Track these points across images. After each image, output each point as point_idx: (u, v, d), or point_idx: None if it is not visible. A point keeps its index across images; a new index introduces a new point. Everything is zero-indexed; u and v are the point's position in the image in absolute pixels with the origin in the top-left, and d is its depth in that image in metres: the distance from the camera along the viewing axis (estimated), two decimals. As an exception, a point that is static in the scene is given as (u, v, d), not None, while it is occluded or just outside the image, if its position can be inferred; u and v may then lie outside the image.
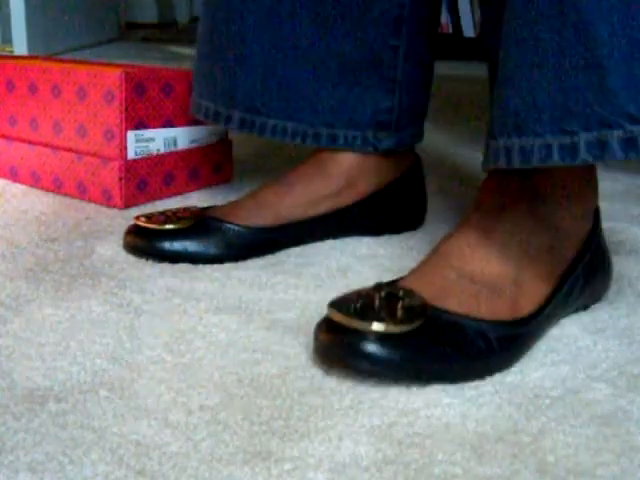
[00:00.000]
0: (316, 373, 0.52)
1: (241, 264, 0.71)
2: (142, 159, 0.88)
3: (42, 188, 0.94)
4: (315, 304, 0.63)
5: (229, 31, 0.77)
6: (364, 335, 0.49)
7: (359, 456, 0.43)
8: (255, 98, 0.77)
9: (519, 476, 0.42)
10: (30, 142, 0.94)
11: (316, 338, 0.52)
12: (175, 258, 0.71)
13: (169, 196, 0.92)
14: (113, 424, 0.46)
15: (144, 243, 0.72)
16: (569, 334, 0.59)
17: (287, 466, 0.42)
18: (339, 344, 0.50)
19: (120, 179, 0.86)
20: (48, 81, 0.92)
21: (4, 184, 0.96)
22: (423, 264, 0.58)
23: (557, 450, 0.44)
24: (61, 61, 1.11)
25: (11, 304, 0.62)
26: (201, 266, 0.71)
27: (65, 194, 0.91)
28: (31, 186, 0.95)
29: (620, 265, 0.73)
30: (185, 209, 0.76)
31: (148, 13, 3.47)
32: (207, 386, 0.50)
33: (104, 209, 0.87)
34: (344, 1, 0.75)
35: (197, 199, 0.92)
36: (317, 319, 0.60)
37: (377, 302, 0.51)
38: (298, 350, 0.55)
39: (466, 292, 0.55)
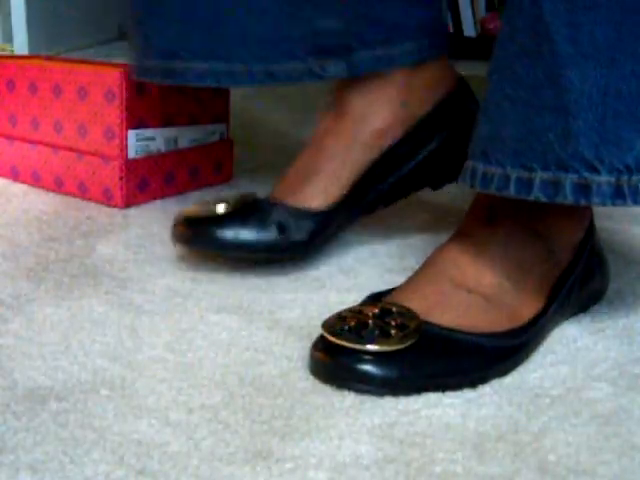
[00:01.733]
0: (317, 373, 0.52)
1: (242, 264, 0.71)
2: (143, 158, 0.88)
3: (43, 187, 0.94)
4: (316, 304, 0.63)
5: None
6: (359, 355, 0.49)
7: (360, 455, 0.43)
8: (173, 42, 0.69)
9: (520, 475, 0.42)
10: (31, 141, 0.94)
11: (312, 357, 0.52)
12: (227, 247, 0.65)
13: (169, 195, 0.92)
14: (114, 423, 0.46)
15: (194, 231, 0.66)
16: (568, 334, 0.59)
17: (288, 465, 0.42)
18: (335, 364, 0.50)
19: (121, 178, 0.86)
20: (49, 80, 0.92)
21: (5, 184, 0.96)
22: (417, 275, 0.58)
23: (558, 449, 0.44)
24: (62, 60, 1.11)
25: (12, 303, 0.62)
26: (201, 266, 0.71)
27: (66, 193, 0.91)
28: (32, 185, 0.95)
29: (620, 265, 0.73)
30: (236, 195, 0.70)
31: (148, 13, 3.46)
32: (208, 385, 0.50)
33: (105, 208, 0.87)
34: None
35: (198, 199, 0.92)
36: (318, 319, 0.60)
37: (370, 321, 0.51)
38: (299, 350, 0.55)
39: (462, 304, 0.54)
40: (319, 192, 0.69)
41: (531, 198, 0.53)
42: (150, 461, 0.42)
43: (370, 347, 0.49)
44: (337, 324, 0.51)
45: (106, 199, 0.87)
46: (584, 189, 0.51)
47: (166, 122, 0.91)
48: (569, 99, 0.51)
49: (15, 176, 0.97)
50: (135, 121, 0.87)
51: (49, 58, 1.19)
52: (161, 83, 0.72)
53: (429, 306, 0.53)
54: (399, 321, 0.51)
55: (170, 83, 0.71)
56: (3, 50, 2.23)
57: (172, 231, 0.68)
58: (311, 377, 0.52)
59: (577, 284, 0.60)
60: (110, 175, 0.86)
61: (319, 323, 0.59)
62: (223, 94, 0.98)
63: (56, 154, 0.91)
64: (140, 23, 0.73)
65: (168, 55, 0.70)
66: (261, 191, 0.97)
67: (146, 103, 0.88)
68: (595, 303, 0.64)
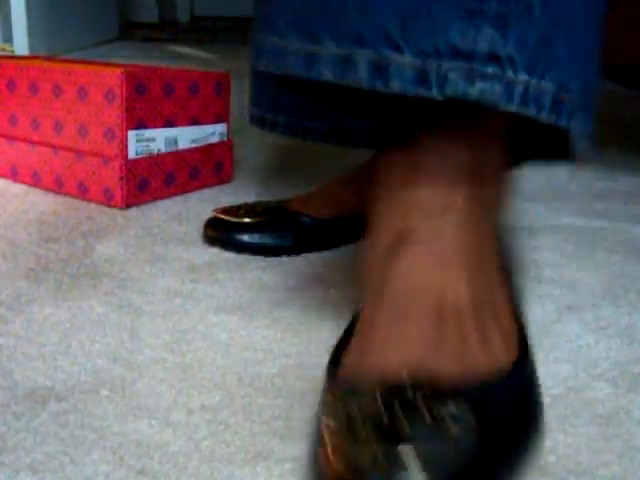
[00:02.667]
0: (317, 373, 0.52)
1: (242, 264, 0.72)
2: (143, 159, 0.88)
3: (43, 188, 0.94)
4: (315, 302, 0.63)
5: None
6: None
7: (360, 456, 0.43)
8: (299, 104, 0.77)
9: (520, 476, 0.42)
10: (31, 142, 0.94)
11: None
12: (253, 250, 0.74)
13: (170, 196, 0.92)
14: (114, 424, 0.46)
15: (223, 235, 0.75)
16: (570, 331, 0.59)
17: (288, 466, 0.42)
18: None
19: (121, 179, 0.86)
20: (49, 81, 0.92)
21: (5, 184, 0.96)
22: (375, 315, 0.43)
23: (558, 450, 0.44)
24: (62, 61, 1.11)
25: (12, 304, 0.62)
26: (201, 267, 0.71)
27: (66, 194, 0.91)
28: (32, 186, 0.95)
29: (621, 264, 0.74)
30: (260, 203, 0.79)
31: (148, 13, 3.47)
32: (208, 386, 0.50)
33: (105, 209, 0.87)
34: None
35: (198, 199, 0.92)
36: (317, 318, 0.60)
37: (405, 433, 0.35)
38: (299, 349, 0.55)
39: (454, 340, 0.41)
40: (336, 205, 0.77)
41: (312, 75, 0.43)
42: (150, 461, 0.42)
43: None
44: (363, 452, 0.35)
45: (106, 199, 0.87)
46: (381, 70, 0.41)
47: (166, 122, 0.91)
48: None
49: (15, 176, 0.97)
50: (135, 121, 0.87)
51: (49, 58, 1.19)
52: (281, 135, 0.80)
53: (419, 358, 0.40)
54: (435, 411, 0.36)
55: (290, 137, 0.79)
56: (3, 50, 2.23)
57: (204, 232, 0.77)
58: (310, 376, 0.52)
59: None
60: (110, 175, 0.86)
61: (318, 321, 0.60)
62: (223, 95, 0.98)
63: (56, 154, 0.91)
64: (268, 82, 0.78)
65: (294, 114, 0.77)
66: (260, 191, 0.97)
67: (146, 103, 0.88)
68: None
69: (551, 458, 0.43)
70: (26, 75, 0.94)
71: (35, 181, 0.94)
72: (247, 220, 0.75)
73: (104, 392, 0.49)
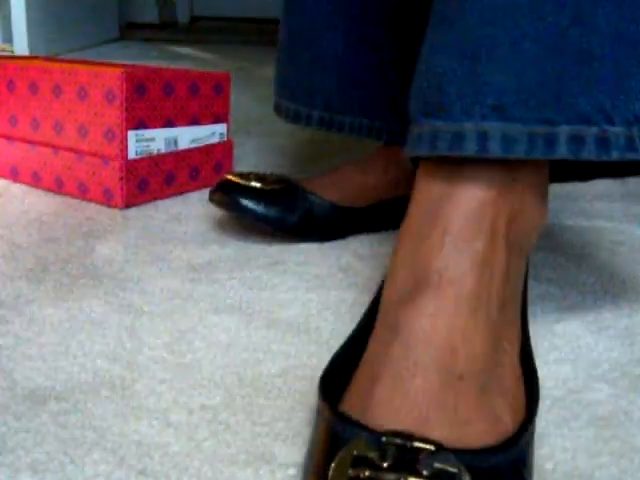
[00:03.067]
0: (317, 373, 0.52)
1: (242, 264, 0.72)
2: (143, 159, 0.88)
3: (43, 188, 0.94)
4: (316, 303, 0.63)
5: (303, 34, 0.79)
6: None
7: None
8: (332, 97, 0.79)
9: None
10: (31, 142, 0.94)
11: None
12: (255, 217, 0.73)
13: (169, 196, 0.92)
14: (114, 424, 0.46)
15: (229, 198, 0.74)
16: (571, 332, 0.59)
17: (291, 471, 0.42)
18: None
19: (121, 179, 0.86)
20: (49, 81, 0.92)
21: (5, 184, 0.96)
22: (388, 358, 0.42)
23: (555, 454, 0.44)
24: (62, 61, 1.11)
25: (12, 304, 0.62)
26: (201, 267, 0.71)
27: (66, 194, 0.91)
28: (32, 186, 0.95)
29: (621, 265, 0.74)
30: (273, 174, 0.78)
31: (148, 13, 3.47)
32: (208, 386, 0.50)
33: (105, 209, 0.87)
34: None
35: (198, 199, 0.92)
36: (318, 318, 0.60)
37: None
38: (299, 349, 0.55)
39: (458, 404, 0.40)
40: (349, 193, 0.77)
41: (556, 156, 0.45)
42: (151, 462, 0.42)
43: None
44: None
45: (106, 200, 0.87)
46: (605, 142, 0.46)
47: (166, 123, 0.91)
48: (595, 42, 0.44)
49: (15, 177, 0.97)
50: (135, 122, 0.87)
51: (49, 58, 1.19)
52: (317, 129, 0.81)
53: (421, 419, 0.38)
54: (434, 469, 0.35)
55: (325, 130, 0.80)
56: (3, 50, 2.23)
57: (210, 195, 0.77)
58: (310, 376, 0.52)
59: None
60: (110, 175, 0.86)
61: (318, 321, 0.60)
62: (223, 95, 0.98)
63: (56, 155, 0.91)
64: (303, 75, 0.81)
65: (328, 108, 0.79)
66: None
67: (146, 104, 0.88)
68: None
69: (549, 465, 0.43)
70: (26, 75, 0.94)
71: (35, 181, 0.94)
72: (255, 185, 0.74)
73: (104, 392, 0.49)
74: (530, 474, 0.39)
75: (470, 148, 0.45)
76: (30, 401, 0.48)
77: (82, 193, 0.90)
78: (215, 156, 0.98)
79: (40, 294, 0.64)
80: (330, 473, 0.36)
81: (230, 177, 0.75)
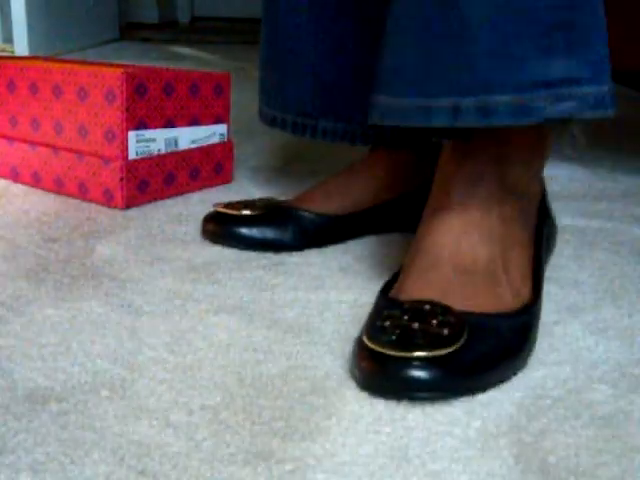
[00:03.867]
0: (317, 373, 0.52)
1: (242, 264, 0.72)
2: (143, 159, 0.88)
3: (43, 188, 0.94)
4: (316, 304, 0.63)
5: (276, 43, 0.83)
6: (408, 361, 0.47)
7: (361, 455, 0.43)
8: (306, 103, 0.81)
9: (521, 475, 0.42)
10: (31, 142, 0.94)
11: (358, 367, 0.50)
12: (252, 244, 0.74)
13: (170, 196, 0.92)
14: (114, 424, 0.46)
15: (223, 229, 0.76)
16: (571, 333, 0.59)
17: (288, 466, 0.42)
18: (393, 374, 0.48)
19: (121, 179, 0.86)
20: (49, 81, 0.92)
21: (5, 184, 0.96)
22: (413, 263, 0.57)
23: (558, 451, 0.44)
24: (62, 61, 1.11)
25: (12, 304, 0.62)
26: (201, 267, 0.71)
27: (66, 194, 0.91)
28: (32, 186, 0.95)
29: (622, 265, 0.74)
30: (260, 199, 0.80)
31: (148, 13, 3.47)
32: (208, 386, 0.50)
33: (105, 209, 0.87)
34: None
35: (198, 199, 0.92)
36: (318, 319, 0.60)
37: (415, 325, 0.49)
38: (299, 350, 0.55)
39: (468, 287, 0.54)
40: (336, 202, 0.78)
41: (434, 124, 0.53)
42: (151, 462, 0.42)
43: (421, 354, 0.47)
44: (382, 336, 0.49)
45: (106, 200, 0.87)
46: (484, 110, 0.52)
47: (166, 123, 0.91)
48: (467, 22, 0.51)
49: (15, 177, 0.97)
50: (135, 122, 0.87)
51: (49, 59, 1.19)
52: (292, 135, 0.84)
53: (440, 294, 0.53)
54: (440, 319, 0.50)
55: (299, 136, 0.83)
56: (3, 51, 2.23)
57: (202, 227, 0.78)
58: (310, 377, 0.52)
59: (545, 240, 0.62)
60: (110, 176, 0.86)
61: (318, 322, 0.60)
62: (223, 95, 0.98)
63: (56, 155, 0.91)
64: (279, 81, 0.84)
65: (302, 113, 0.82)
66: (261, 191, 0.97)
67: (146, 104, 0.88)
68: (550, 255, 0.66)
69: (551, 459, 0.43)
70: (26, 76, 0.94)
71: (35, 182, 0.94)
72: (247, 213, 0.75)
73: (104, 393, 0.49)
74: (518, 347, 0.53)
75: (372, 116, 0.58)
76: (30, 401, 0.48)
77: (82, 193, 0.90)
78: (215, 156, 0.98)
79: (40, 294, 0.64)
80: (366, 325, 0.52)
81: (220, 209, 0.77)
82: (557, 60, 0.51)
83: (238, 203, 0.78)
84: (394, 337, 0.48)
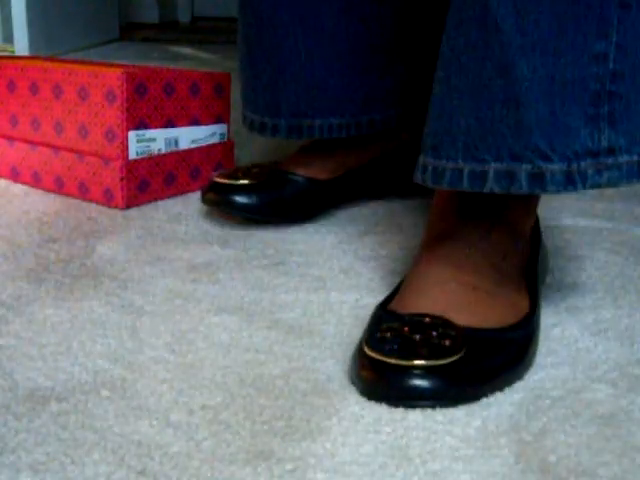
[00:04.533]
0: (318, 374, 0.52)
1: (243, 265, 0.72)
2: (143, 159, 0.88)
3: (43, 188, 0.94)
4: (317, 304, 0.63)
5: (263, 46, 0.82)
6: (409, 370, 0.48)
7: (361, 455, 0.43)
8: (299, 103, 0.82)
9: (522, 474, 0.42)
10: (31, 142, 0.94)
11: (358, 376, 0.50)
12: (249, 211, 0.79)
13: (170, 196, 0.92)
14: (114, 424, 0.46)
15: (222, 198, 0.79)
16: (570, 335, 0.59)
17: (289, 466, 0.42)
18: (392, 383, 0.49)
19: (121, 179, 0.86)
20: (49, 81, 0.92)
21: (5, 184, 0.96)
22: (416, 278, 0.57)
23: (558, 450, 0.44)
24: (62, 61, 1.11)
25: (12, 304, 0.62)
26: (201, 267, 0.71)
27: (66, 194, 0.91)
28: (32, 186, 0.95)
29: (622, 265, 0.74)
30: (255, 165, 0.84)
31: (149, 13, 3.47)
32: (209, 386, 0.50)
33: (105, 209, 0.87)
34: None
35: (198, 199, 0.92)
36: (319, 319, 0.60)
37: (416, 336, 0.50)
38: (300, 350, 0.55)
39: (471, 303, 0.54)
40: (324, 169, 0.84)
41: (486, 190, 0.53)
42: (151, 462, 0.42)
43: (420, 363, 0.48)
44: (383, 345, 0.49)
45: (107, 200, 0.87)
46: (538, 178, 0.52)
47: (167, 123, 0.91)
48: (520, 90, 0.51)
49: (16, 177, 0.97)
50: (136, 122, 0.87)
51: (49, 59, 1.19)
52: (286, 139, 0.86)
53: (443, 309, 0.53)
54: (440, 331, 0.50)
55: (295, 139, 0.85)
56: (4, 51, 2.23)
57: (202, 196, 0.82)
58: (311, 377, 0.52)
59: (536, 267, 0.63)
60: (111, 176, 0.86)
61: (320, 323, 0.60)
62: (224, 95, 0.98)
63: (57, 155, 0.91)
64: (268, 86, 0.85)
65: (296, 115, 0.83)
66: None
67: (147, 104, 0.88)
68: (542, 282, 0.66)
69: (552, 458, 0.43)
70: (26, 75, 0.94)
71: (36, 181, 0.94)
72: (244, 182, 0.79)
73: (105, 392, 0.49)
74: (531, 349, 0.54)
75: (417, 177, 0.59)
76: (31, 401, 0.48)
77: (83, 193, 0.90)
78: (216, 156, 0.98)
79: (41, 294, 0.64)
80: (365, 336, 0.52)
81: (217, 179, 0.80)
82: (603, 129, 0.52)
83: (235, 171, 0.82)
84: (395, 346, 0.49)
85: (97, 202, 0.89)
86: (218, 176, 0.81)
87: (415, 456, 0.43)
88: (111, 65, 1.04)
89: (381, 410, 0.48)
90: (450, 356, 0.48)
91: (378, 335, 0.51)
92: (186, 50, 2.68)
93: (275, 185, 0.80)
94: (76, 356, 0.54)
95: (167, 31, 3.28)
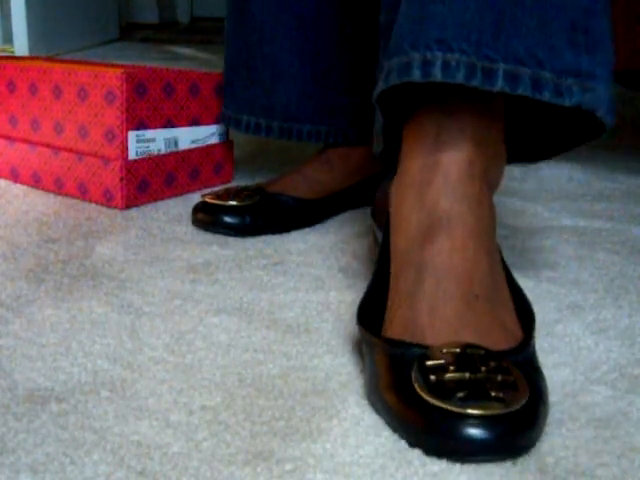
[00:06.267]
0: (318, 374, 0.52)
1: (242, 265, 0.72)
2: (143, 159, 0.88)
3: (43, 189, 0.94)
4: (316, 304, 0.63)
5: (262, 51, 0.89)
6: (506, 418, 0.43)
7: (361, 456, 0.43)
8: (291, 109, 0.89)
9: (520, 475, 0.42)
10: (31, 143, 0.94)
11: (425, 431, 0.43)
12: (239, 231, 0.80)
13: (170, 196, 0.92)
14: (114, 425, 0.46)
15: (211, 218, 0.81)
16: (571, 333, 0.59)
17: (288, 466, 0.42)
18: (488, 435, 0.42)
19: (121, 179, 0.86)
20: (49, 82, 0.92)
21: (5, 185, 0.96)
22: (417, 289, 0.51)
23: (556, 451, 0.44)
24: (62, 61, 1.11)
25: (12, 305, 0.62)
26: (201, 267, 0.71)
27: (66, 195, 0.91)
28: (32, 187, 0.95)
29: (622, 265, 0.74)
30: (245, 187, 0.85)
31: (148, 13, 3.47)
32: (208, 386, 0.50)
33: (105, 209, 0.87)
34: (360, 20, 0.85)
35: (198, 200, 0.92)
36: (318, 319, 0.60)
37: (477, 377, 0.43)
38: (299, 350, 0.55)
39: (478, 318, 0.49)
40: (312, 190, 0.86)
41: (495, 88, 0.51)
42: (150, 462, 0.42)
43: (514, 407, 0.43)
44: (450, 393, 0.43)
45: (106, 200, 0.87)
46: (538, 84, 0.52)
47: (166, 123, 0.91)
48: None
49: (15, 177, 0.97)
50: (135, 122, 0.87)
51: (49, 59, 1.19)
52: (278, 139, 0.92)
53: (458, 332, 0.48)
54: (492, 365, 0.44)
55: (285, 140, 0.91)
56: (3, 51, 2.23)
57: (192, 216, 0.83)
58: (311, 377, 0.52)
59: None
60: (110, 176, 0.86)
61: (318, 322, 0.60)
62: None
63: (56, 155, 0.91)
64: (264, 90, 0.91)
65: (288, 119, 0.90)
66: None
67: (146, 104, 0.88)
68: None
69: (550, 459, 0.43)
70: (26, 76, 0.94)
71: (35, 182, 0.94)
72: (233, 203, 0.81)
73: (104, 393, 0.49)
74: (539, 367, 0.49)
75: (416, 74, 0.52)
76: (30, 402, 0.48)
77: (82, 194, 0.90)
78: (215, 157, 0.98)
79: (40, 294, 0.64)
80: (415, 385, 0.44)
81: (208, 200, 0.82)
82: (582, 54, 0.53)
83: (225, 192, 0.83)
84: (464, 393, 0.42)
85: (97, 202, 0.89)
86: (208, 197, 0.83)
87: (415, 457, 0.43)
88: (111, 65, 1.04)
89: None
90: (523, 395, 0.43)
91: (433, 378, 0.44)
92: (186, 50, 2.69)
93: (264, 206, 0.82)
94: (75, 356, 0.54)
95: (167, 31, 3.28)
